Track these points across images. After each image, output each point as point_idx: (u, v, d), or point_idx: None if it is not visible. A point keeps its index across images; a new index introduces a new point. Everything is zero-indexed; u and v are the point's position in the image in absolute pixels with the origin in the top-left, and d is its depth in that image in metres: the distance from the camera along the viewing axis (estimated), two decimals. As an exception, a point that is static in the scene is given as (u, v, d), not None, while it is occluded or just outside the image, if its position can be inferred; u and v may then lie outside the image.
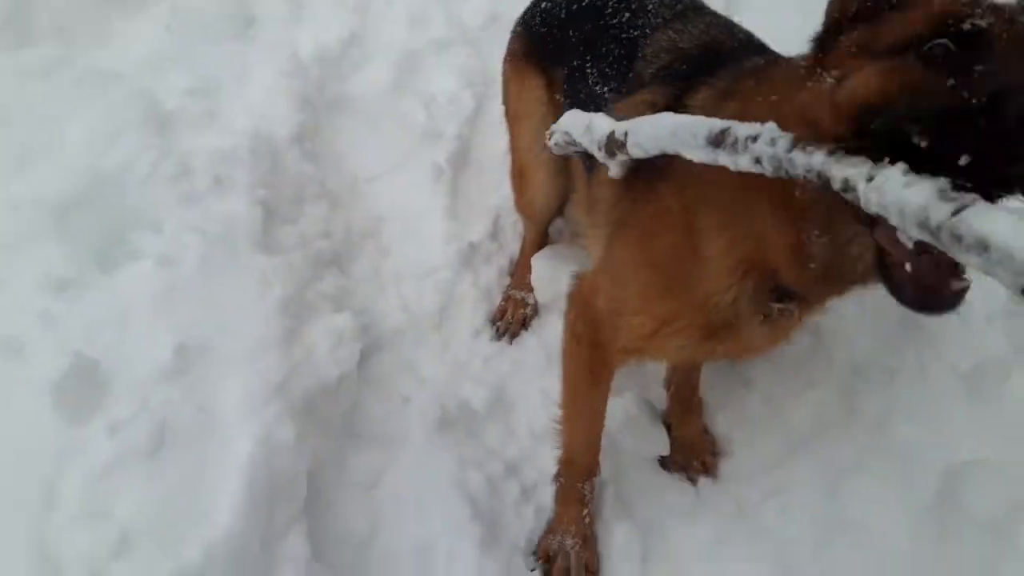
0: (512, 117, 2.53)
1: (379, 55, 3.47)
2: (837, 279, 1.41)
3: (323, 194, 2.74)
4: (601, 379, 1.94)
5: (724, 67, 1.70)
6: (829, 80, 1.22)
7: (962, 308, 2.22)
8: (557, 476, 2.11)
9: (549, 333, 2.49)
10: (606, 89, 2.01)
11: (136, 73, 3.02)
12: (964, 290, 1.15)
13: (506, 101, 2.55)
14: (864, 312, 2.31)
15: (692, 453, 2.25)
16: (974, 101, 1.04)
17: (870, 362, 2.24)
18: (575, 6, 2.23)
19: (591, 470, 2.08)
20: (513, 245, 2.75)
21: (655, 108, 1.74)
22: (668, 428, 2.31)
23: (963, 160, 1.03)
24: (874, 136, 1.14)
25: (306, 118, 2.94)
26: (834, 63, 1.24)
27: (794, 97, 1.29)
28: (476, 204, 2.93)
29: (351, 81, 3.32)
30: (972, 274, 1.72)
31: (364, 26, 3.62)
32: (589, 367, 1.92)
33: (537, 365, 2.37)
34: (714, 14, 2.07)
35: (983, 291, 2.17)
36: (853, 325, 2.29)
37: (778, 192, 1.33)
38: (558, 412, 2.02)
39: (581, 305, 1.89)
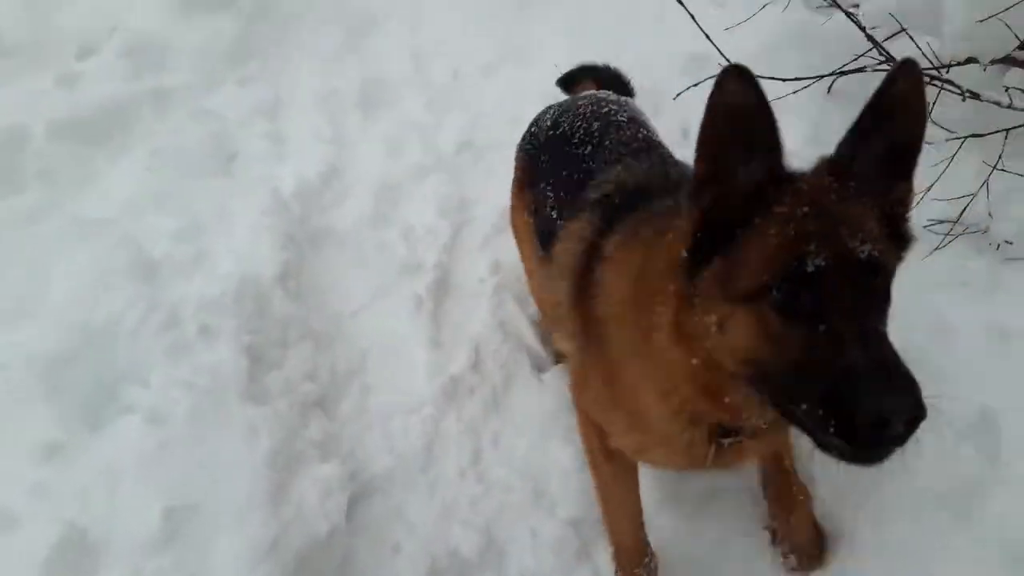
0: (514, 227, 2.77)
1: (358, 186, 3.59)
2: (774, 426, 1.51)
3: (307, 334, 2.80)
4: (617, 458, 2.01)
5: (639, 211, 1.85)
6: (713, 323, 1.35)
7: (931, 425, 2.30)
8: (616, 572, 2.16)
9: (534, 466, 2.52)
10: (559, 217, 2.18)
11: (121, 217, 3.12)
12: (891, 448, 1.24)
13: (512, 220, 2.77)
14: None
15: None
16: (819, 353, 1.22)
17: (849, 486, 2.29)
18: (551, 132, 2.45)
19: (641, 551, 2.12)
20: (495, 376, 2.80)
21: (584, 241, 1.94)
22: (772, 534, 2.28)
23: (803, 408, 1.23)
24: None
25: (289, 256, 3.02)
26: (706, 298, 1.36)
27: (689, 333, 1.42)
28: (457, 332, 2.99)
29: (332, 214, 3.43)
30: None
31: (342, 157, 3.76)
32: (602, 449, 2.01)
33: (524, 503, 2.39)
34: (663, 153, 2.28)
35: (949, 409, 2.25)
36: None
37: (690, 369, 1.47)
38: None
39: (579, 403, 2.04)
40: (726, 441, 1.64)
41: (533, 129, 2.62)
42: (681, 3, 2.61)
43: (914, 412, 1.17)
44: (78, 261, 2.79)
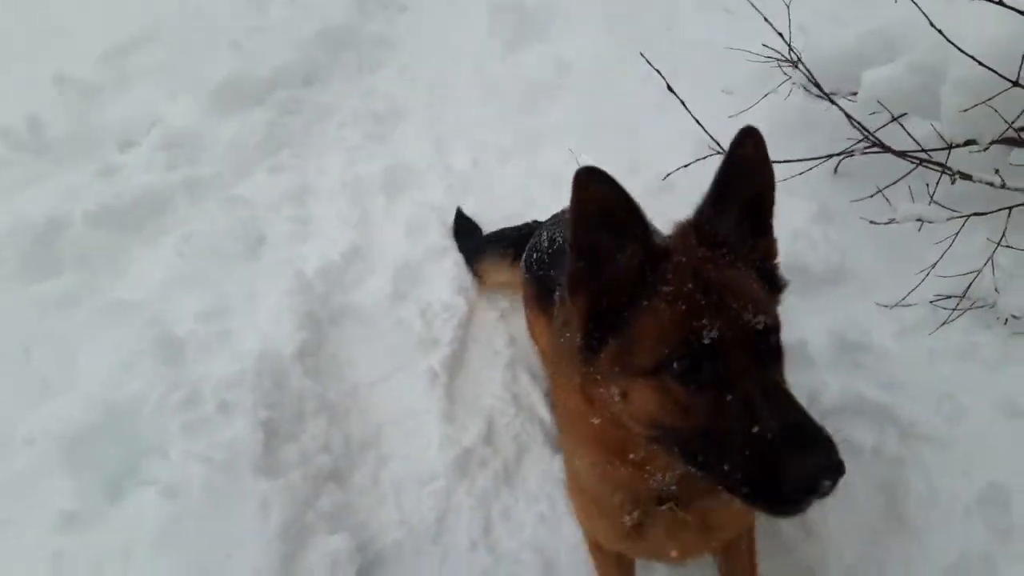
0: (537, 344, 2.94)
1: (379, 265, 3.70)
2: (696, 484, 1.55)
3: (323, 407, 2.86)
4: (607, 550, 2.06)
5: None
6: (615, 393, 1.43)
7: (939, 500, 2.27)
8: None
9: (545, 539, 2.52)
10: None
11: (151, 299, 3.25)
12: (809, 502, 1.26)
13: (534, 336, 2.93)
14: (846, 508, 2.35)
15: None
16: (731, 419, 1.27)
17: (859, 559, 2.26)
18: (549, 249, 2.65)
19: None
20: (508, 449, 2.83)
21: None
22: None
23: (723, 468, 1.28)
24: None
25: (308, 335, 3.11)
26: (606, 374, 1.45)
27: (594, 399, 1.52)
28: (471, 406, 3.04)
29: (353, 293, 3.53)
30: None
31: (365, 239, 3.87)
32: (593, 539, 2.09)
33: (534, 576, 2.39)
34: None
35: (957, 484, 2.24)
36: (837, 522, 2.32)
37: (594, 428, 1.55)
38: None
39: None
40: (659, 509, 1.69)
41: (533, 254, 2.79)
42: (683, 104, 2.73)
43: (835, 470, 1.22)
44: (107, 341, 2.92)
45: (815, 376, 2.59)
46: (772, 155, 3.20)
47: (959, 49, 2.43)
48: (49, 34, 5.46)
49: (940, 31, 2.44)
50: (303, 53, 5.46)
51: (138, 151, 4.42)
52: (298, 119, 4.89)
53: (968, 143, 2.79)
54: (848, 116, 2.94)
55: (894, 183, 2.96)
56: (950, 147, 2.84)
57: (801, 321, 2.74)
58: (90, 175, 4.13)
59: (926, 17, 2.46)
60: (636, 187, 3.92)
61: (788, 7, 3.30)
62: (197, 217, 3.96)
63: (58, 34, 5.47)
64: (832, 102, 3.02)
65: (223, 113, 4.79)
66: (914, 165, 2.79)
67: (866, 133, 2.89)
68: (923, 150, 2.82)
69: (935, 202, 2.79)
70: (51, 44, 5.37)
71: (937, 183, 2.82)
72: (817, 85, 3.12)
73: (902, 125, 2.84)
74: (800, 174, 3.07)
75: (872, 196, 2.95)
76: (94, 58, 5.29)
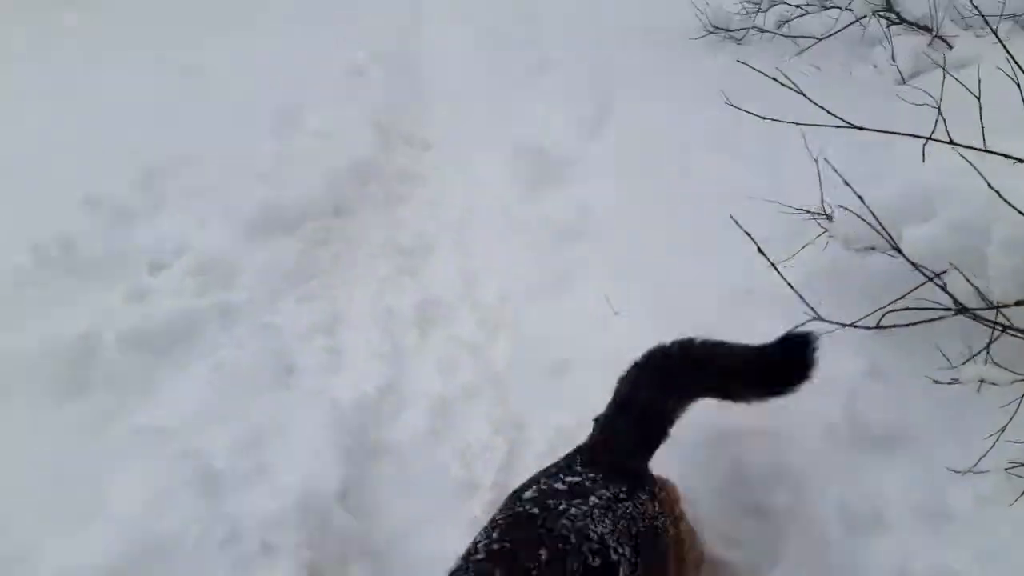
0: None
1: (413, 402, 3.63)
2: None
3: (367, 552, 2.74)
4: None
5: None
6: None
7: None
8: None
9: None
10: None
11: (183, 428, 3.16)
12: None
13: None
14: None
15: None
16: None
17: None
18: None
19: None
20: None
21: None
22: None
23: None
24: None
25: (349, 472, 3.01)
26: None
27: None
28: (515, 556, 2.90)
29: (389, 429, 3.44)
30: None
31: (400, 372, 3.83)
32: None
33: None
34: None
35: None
36: None
37: None
38: None
39: None
40: None
41: None
42: (749, 235, 2.77)
43: None
44: (142, 471, 2.80)
45: (899, 546, 2.47)
46: (805, 306, 3.14)
47: (1019, 211, 2.49)
48: (85, 155, 5.57)
49: (998, 192, 2.49)
50: (330, 184, 5.58)
51: (168, 275, 4.42)
52: (328, 250, 4.94)
53: (1019, 303, 2.81)
54: (916, 267, 2.96)
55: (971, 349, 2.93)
56: (997, 307, 2.87)
57: (870, 485, 2.66)
58: (120, 296, 4.11)
59: (983, 178, 2.52)
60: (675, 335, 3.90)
61: (817, 161, 3.40)
62: (227, 344, 3.91)
63: (93, 156, 5.58)
64: (900, 252, 3.04)
65: (253, 241, 4.83)
66: (988, 327, 2.77)
67: (935, 282, 2.89)
68: (969, 310, 2.85)
69: (995, 363, 2.77)
70: (86, 165, 5.47)
71: (991, 341, 2.82)
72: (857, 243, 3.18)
73: (941, 287, 2.88)
74: (843, 327, 3.07)
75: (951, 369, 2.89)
76: (127, 181, 5.38)
